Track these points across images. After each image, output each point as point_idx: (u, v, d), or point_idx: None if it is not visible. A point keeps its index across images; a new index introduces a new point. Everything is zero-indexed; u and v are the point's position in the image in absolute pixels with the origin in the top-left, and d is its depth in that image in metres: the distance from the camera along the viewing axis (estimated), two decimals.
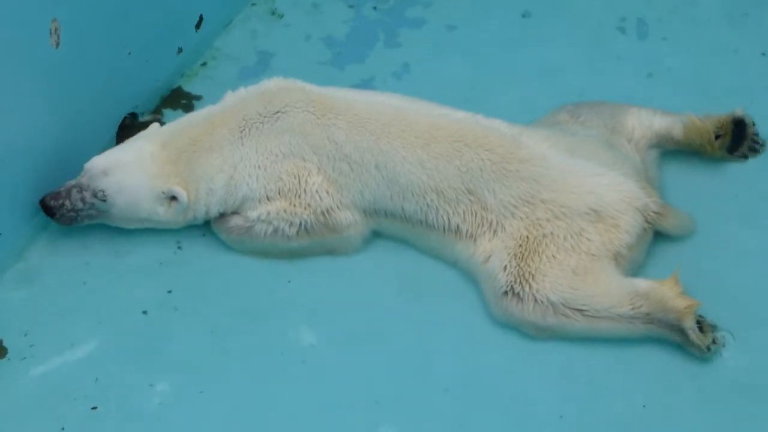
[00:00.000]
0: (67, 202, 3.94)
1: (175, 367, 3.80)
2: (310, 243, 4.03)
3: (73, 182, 3.97)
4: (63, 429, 3.65)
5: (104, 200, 3.94)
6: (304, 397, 3.71)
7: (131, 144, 4.05)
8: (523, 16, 4.92)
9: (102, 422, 3.67)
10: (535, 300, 3.71)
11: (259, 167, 4.02)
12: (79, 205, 3.95)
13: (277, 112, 4.02)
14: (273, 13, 5.04)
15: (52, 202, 3.94)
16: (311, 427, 3.64)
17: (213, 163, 4.00)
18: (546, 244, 3.78)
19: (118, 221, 4.04)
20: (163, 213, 3.99)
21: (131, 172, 3.95)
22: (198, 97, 4.69)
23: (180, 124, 4.11)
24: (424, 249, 4.01)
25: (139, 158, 3.97)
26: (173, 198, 3.96)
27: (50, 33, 3.92)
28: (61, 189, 3.96)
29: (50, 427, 3.66)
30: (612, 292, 3.68)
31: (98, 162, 3.98)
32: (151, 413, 3.69)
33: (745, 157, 4.21)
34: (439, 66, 4.73)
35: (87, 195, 3.94)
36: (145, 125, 4.21)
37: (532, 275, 3.73)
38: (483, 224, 3.87)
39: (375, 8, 5.00)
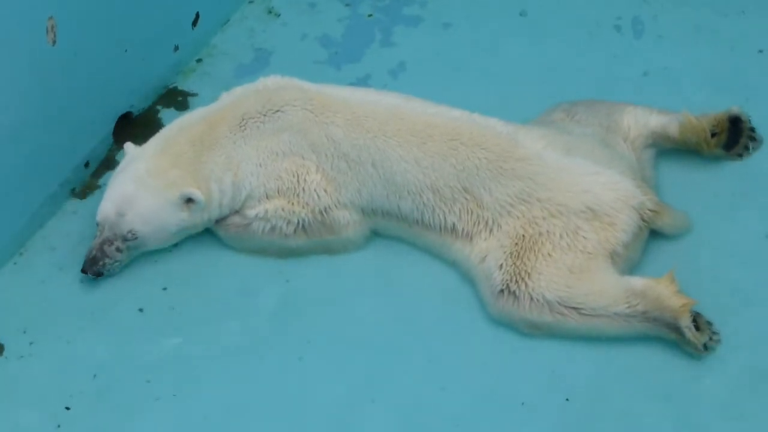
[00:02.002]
0: (107, 260, 3.93)
1: (171, 364, 3.80)
2: (307, 242, 4.03)
3: (97, 241, 3.94)
4: (59, 426, 3.66)
5: (136, 238, 3.93)
6: (301, 395, 3.71)
7: (123, 175, 3.98)
8: (520, 14, 4.92)
9: (99, 420, 3.68)
10: (531, 298, 3.71)
11: (260, 165, 4.02)
12: (117, 255, 3.94)
13: (277, 110, 4.01)
14: (270, 12, 5.03)
15: (94, 268, 3.93)
16: (308, 425, 3.65)
17: (218, 161, 3.99)
18: (542, 242, 3.78)
19: (157, 245, 4.02)
20: (187, 218, 3.97)
21: (141, 199, 3.91)
22: (194, 95, 4.68)
23: (173, 128, 4.07)
24: (422, 248, 4.01)
25: (140, 182, 3.92)
26: (189, 200, 3.93)
27: (47, 30, 3.92)
28: (93, 253, 3.93)
29: (47, 425, 3.66)
30: (608, 290, 3.68)
31: (107, 209, 3.93)
32: (149, 410, 3.69)
33: (742, 155, 4.20)
34: (435, 64, 4.71)
35: (119, 243, 3.92)
36: (142, 122, 4.20)
37: (528, 274, 3.73)
38: (479, 223, 3.87)
39: (371, 14, 4.97)
